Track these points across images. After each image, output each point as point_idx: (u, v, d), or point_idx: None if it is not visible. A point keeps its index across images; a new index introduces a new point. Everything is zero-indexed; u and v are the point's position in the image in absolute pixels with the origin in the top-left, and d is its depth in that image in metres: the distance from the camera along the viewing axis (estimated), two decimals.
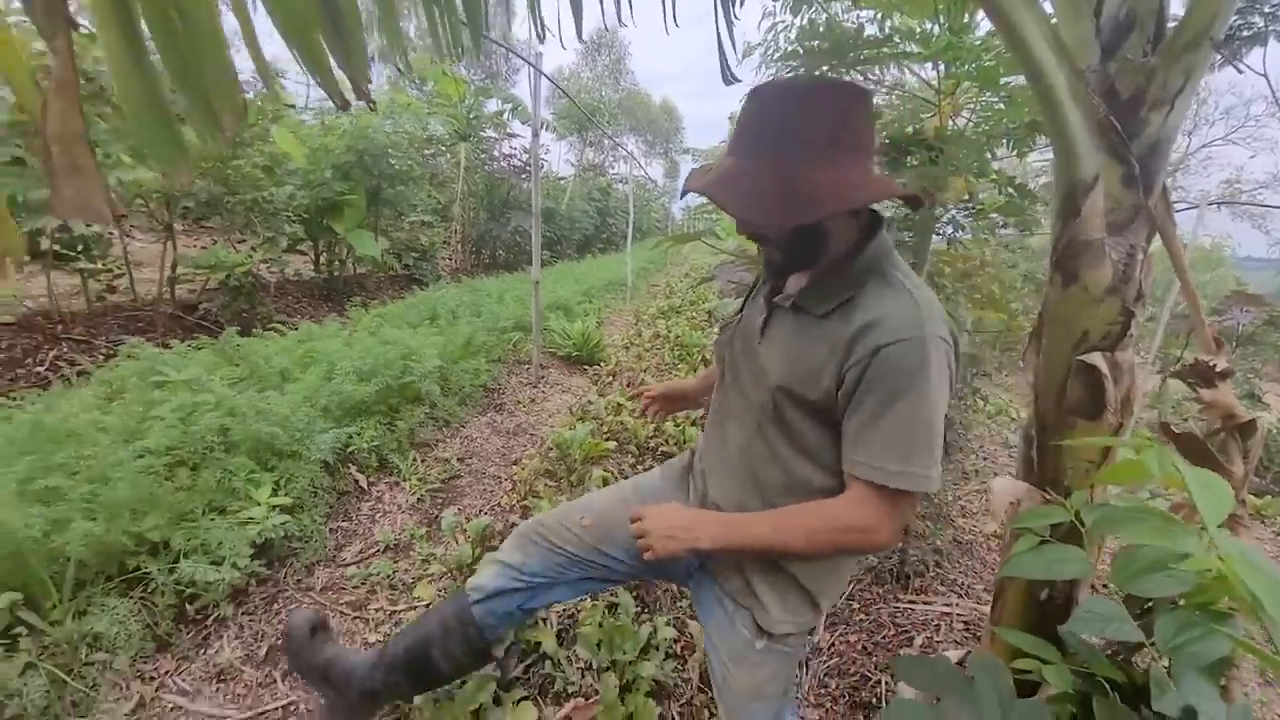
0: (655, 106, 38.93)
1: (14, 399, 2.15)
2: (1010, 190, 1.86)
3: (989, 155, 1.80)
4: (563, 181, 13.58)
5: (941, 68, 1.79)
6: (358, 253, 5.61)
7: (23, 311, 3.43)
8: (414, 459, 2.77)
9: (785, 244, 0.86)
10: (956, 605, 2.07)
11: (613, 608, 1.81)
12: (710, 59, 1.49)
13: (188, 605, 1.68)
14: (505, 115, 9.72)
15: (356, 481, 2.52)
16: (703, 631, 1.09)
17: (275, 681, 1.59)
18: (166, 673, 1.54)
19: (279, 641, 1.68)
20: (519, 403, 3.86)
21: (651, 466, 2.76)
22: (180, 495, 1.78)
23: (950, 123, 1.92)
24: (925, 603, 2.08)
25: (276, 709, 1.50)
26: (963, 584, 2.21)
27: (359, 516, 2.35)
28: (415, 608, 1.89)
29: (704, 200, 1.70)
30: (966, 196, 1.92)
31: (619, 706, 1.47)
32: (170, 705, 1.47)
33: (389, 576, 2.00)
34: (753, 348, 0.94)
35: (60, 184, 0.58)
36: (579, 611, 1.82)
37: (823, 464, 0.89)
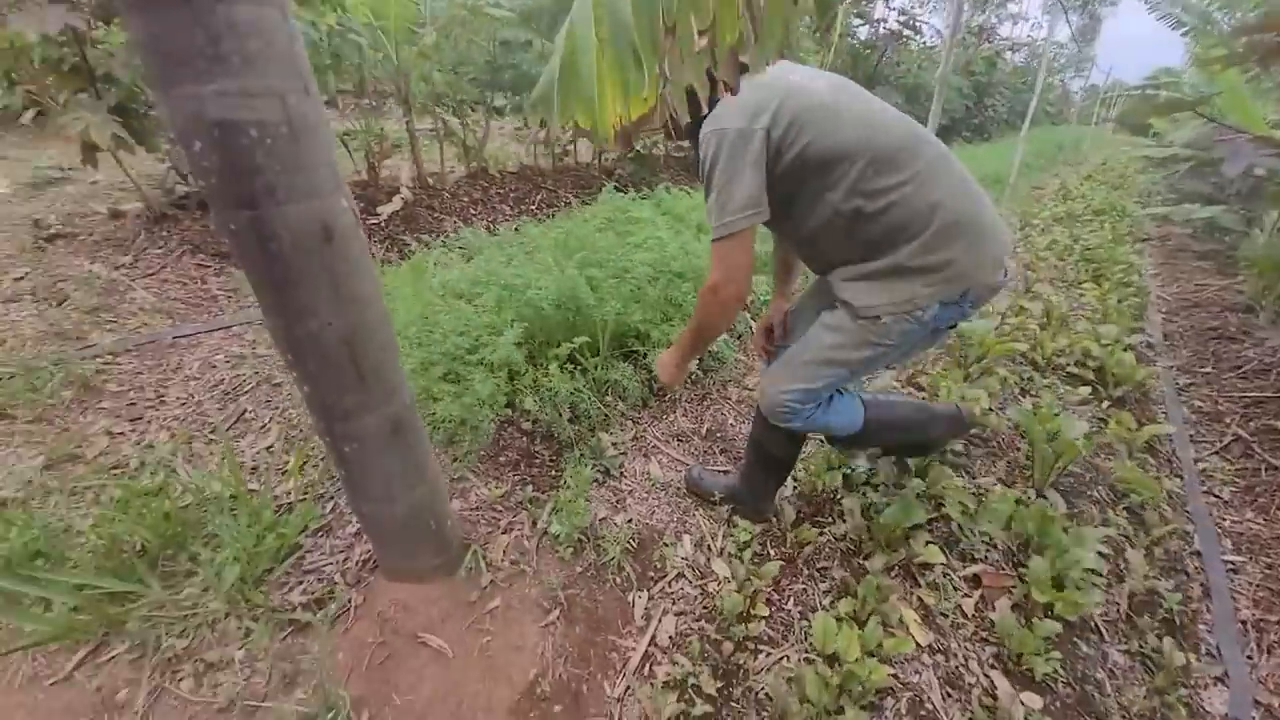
0: None
1: (540, 220, 2.99)
2: None
3: None
4: (934, 50, 11.47)
5: None
6: None
7: (519, 165, 4.66)
8: None
9: None
10: None
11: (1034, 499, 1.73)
12: None
13: (653, 384, 2.21)
14: None
15: (750, 328, 2.84)
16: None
17: (715, 453, 2.01)
18: (644, 424, 2.09)
19: (708, 427, 2.11)
20: None
21: (1053, 382, 2.44)
22: (653, 301, 2.28)
23: None
24: None
25: (718, 469, 1.92)
26: None
27: (752, 355, 2.68)
28: None
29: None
30: None
31: (1048, 590, 1.44)
32: (650, 441, 2.00)
33: None
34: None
35: None
36: (988, 492, 1.79)
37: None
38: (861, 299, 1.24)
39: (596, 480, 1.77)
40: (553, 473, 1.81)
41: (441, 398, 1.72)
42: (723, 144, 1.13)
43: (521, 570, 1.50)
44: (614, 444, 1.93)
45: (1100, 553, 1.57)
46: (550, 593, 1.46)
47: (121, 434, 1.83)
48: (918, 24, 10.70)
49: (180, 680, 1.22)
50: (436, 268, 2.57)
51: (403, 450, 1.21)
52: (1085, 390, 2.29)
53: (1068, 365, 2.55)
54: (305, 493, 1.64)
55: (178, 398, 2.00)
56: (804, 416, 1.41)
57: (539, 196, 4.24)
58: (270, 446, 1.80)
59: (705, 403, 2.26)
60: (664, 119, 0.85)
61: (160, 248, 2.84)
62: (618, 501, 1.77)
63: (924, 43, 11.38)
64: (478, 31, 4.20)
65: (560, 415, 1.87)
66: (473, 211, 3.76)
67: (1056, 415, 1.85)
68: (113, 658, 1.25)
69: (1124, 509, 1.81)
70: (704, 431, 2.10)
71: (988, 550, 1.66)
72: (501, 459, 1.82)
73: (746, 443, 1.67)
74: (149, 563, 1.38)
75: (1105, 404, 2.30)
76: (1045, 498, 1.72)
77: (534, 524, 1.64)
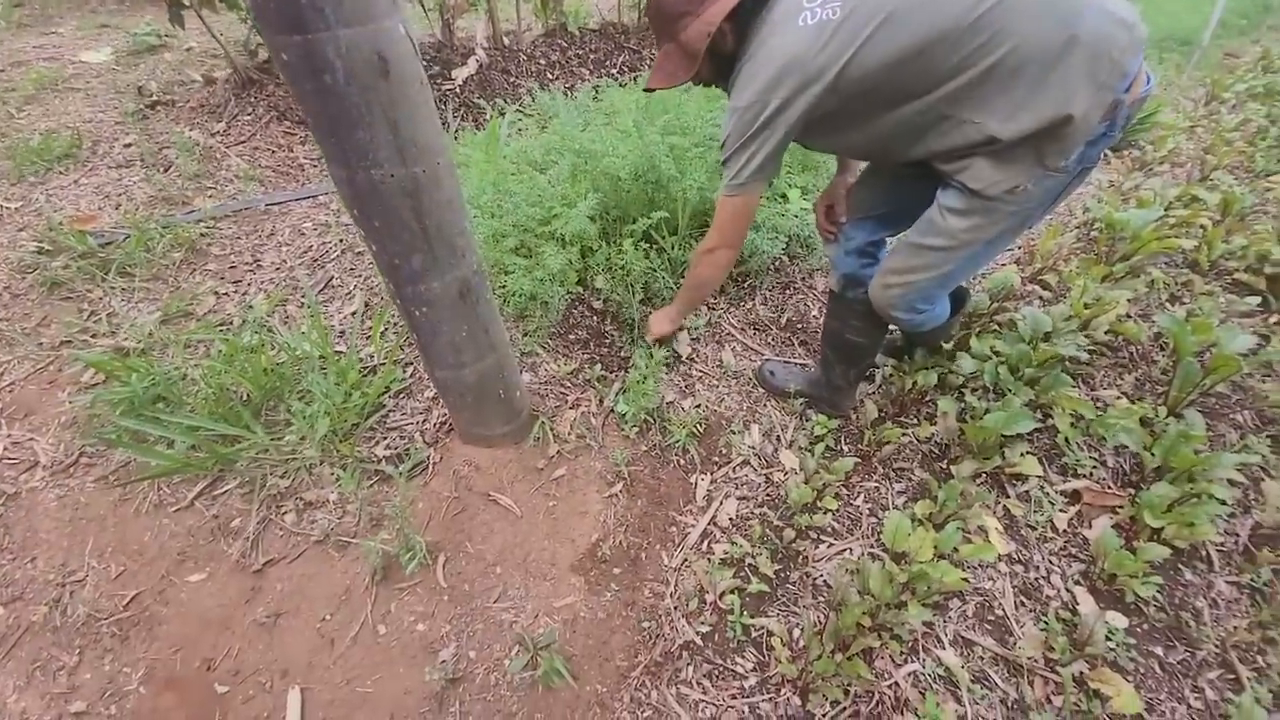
0: None
1: (623, 84, 2.73)
2: None
3: None
4: None
5: None
6: None
7: (601, 21, 4.23)
8: None
9: None
10: None
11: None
12: None
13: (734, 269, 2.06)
14: None
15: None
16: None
17: (794, 344, 1.90)
18: (720, 309, 1.98)
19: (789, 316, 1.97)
20: None
21: (1214, 289, 2.05)
22: None
23: None
24: None
25: (794, 361, 1.82)
26: None
27: None
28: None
29: None
30: None
31: (1161, 514, 1.28)
32: (725, 329, 1.91)
33: None
34: None
35: None
36: (1109, 406, 1.59)
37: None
38: (987, 177, 1.03)
39: (666, 364, 1.72)
40: (622, 353, 1.77)
41: (513, 271, 1.68)
42: (767, 106, 1.03)
43: (587, 445, 1.52)
44: (687, 329, 1.85)
45: (1231, 480, 1.38)
46: (614, 467, 1.47)
47: (225, 294, 1.96)
48: None
49: (284, 514, 1.36)
50: (511, 134, 2.45)
51: (470, 317, 1.19)
52: (1253, 301, 1.91)
53: (1236, 270, 2.13)
54: (387, 356, 1.70)
55: (272, 262, 2.10)
56: (925, 309, 1.30)
57: (621, 58, 3.88)
58: (355, 312, 1.86)
59: (788, 291, 2.10)
60: None
61: (249, 114, 2.87)
62: (686, 386, 1.72)
63: None
64: None
65: (633, 295, 1.80)
66: (550, 74, 3.51)
67: (1216, 326, 1.56)
68: (226, 491, 1.40)
69: (1268, 436, 1.56)
70: (783, 321, 1.97)
71: (1095, 467, 1.50)
72: (571, 336, 1.80)
73: (821, 334, 1.55)
74: (253, 411, 1.50)
75: (1274, 318, 1.93)
76: (1181, 416, 1.49)
77: (600, 402, 1.63)
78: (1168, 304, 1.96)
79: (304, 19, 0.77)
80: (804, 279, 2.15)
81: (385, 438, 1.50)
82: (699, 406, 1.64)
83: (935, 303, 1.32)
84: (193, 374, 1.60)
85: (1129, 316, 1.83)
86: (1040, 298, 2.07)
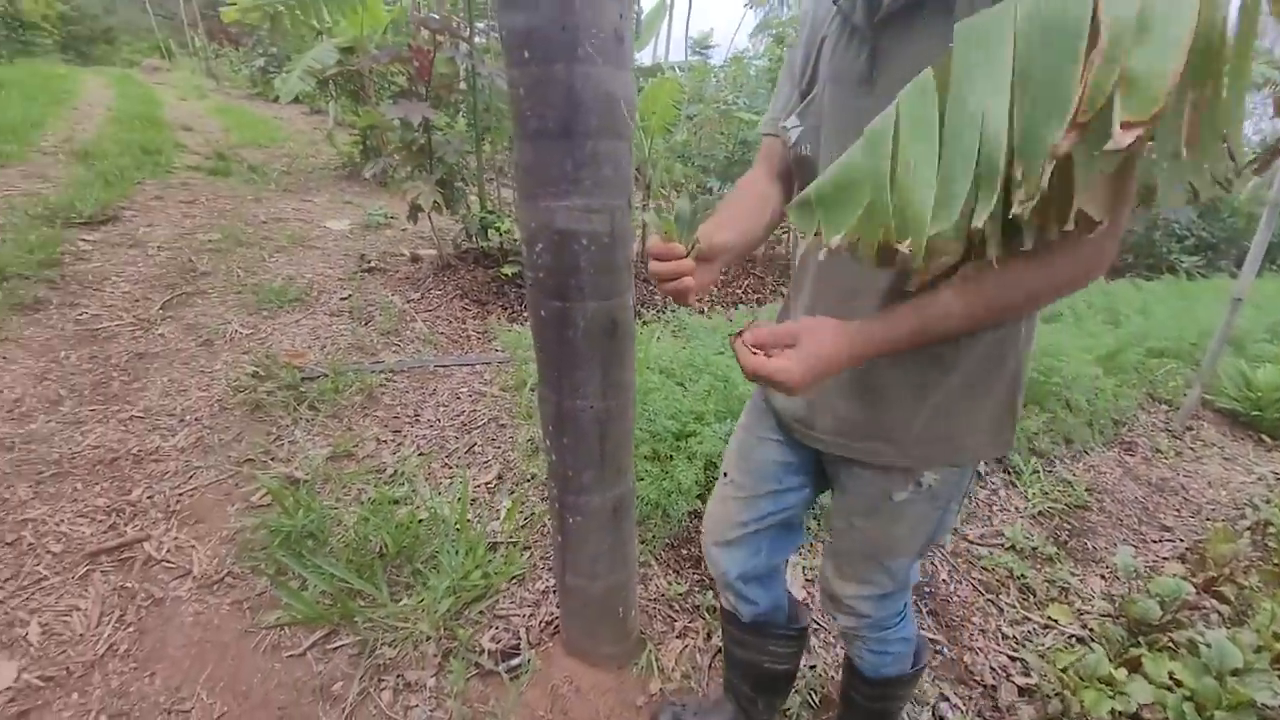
0: None
1: (750, 308, 3.00)
2: None
3: None
4: None
5: None
6: None
7: None
8: (1034, 465, 2.53)
9: None
10: None
11: None
12: None
13: None
14: None
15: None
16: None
17: None
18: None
19: None
20: (1157, 450, 3.02)
21: None
22: None
23: None
24: None
25: None
26: None
27: (976, 500, 2.32)
28: (1049, 625, 1.73)
29: None
30: None
31: None
32: None
33: (1020, 576, 1.90)
34: (861, 108, 0.64)
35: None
36: None
37: None
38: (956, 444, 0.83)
39: None
40: None
41: (643, 477, 1.76)
42: None
43: (691, 687, 1.42)
44: (802, 566, 1.77)
45: None
46: None
47: (385, 441, 2.19)
48: None
49: (382, 690, 1.35)
50: (651, 341, 2.72)
51: (616, 533, 1.24)
52: None
53: None
54: (512, 538, 1.76)
55: (428, 420, 2.35)
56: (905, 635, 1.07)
57: (746, 282, 4.34)
58: (489, 482, 1.99)
59: None
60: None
61: (440, 290, 3.46)
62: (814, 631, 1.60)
63: None
64: (723, 132, 4.57)
65: None
66: None
67: None
68: (339, 647, 1.43)
69: None
70: None
71: None
72: (684, 552, 1.78)
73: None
74: (384, 565, 1.58)
75: None
76: None
77: (708, 637, 1.55)
78: None
79: (569, 293, 0.97)
80: None
81: (493, 626, 1.50)
82: (814, 668, 1.51)
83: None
84: (345, 518, 1.74)
85: None
86: (1218, 612, 1.80)
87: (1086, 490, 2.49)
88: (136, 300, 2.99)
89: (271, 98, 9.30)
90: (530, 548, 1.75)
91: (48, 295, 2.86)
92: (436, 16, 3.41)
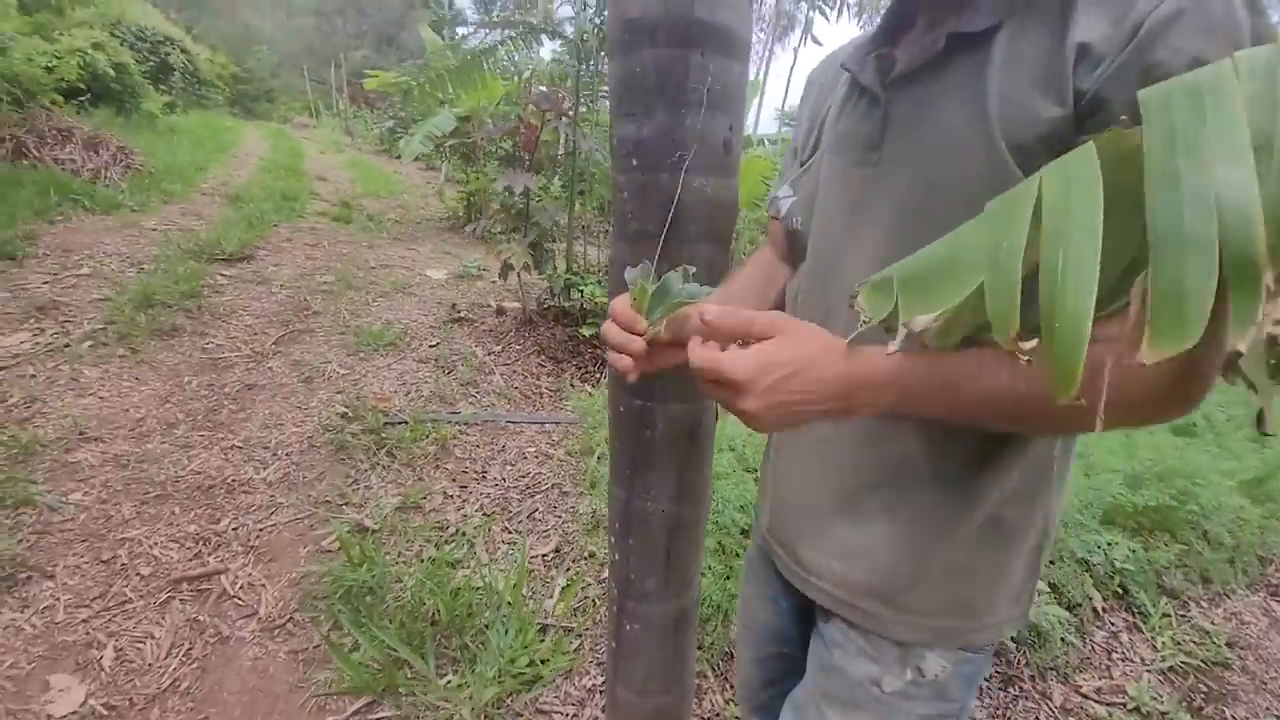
0: None
1: None
2: None
3: None
4: None
5: None
6: None
7: None
8: (1164, 607, 2.16)
9: None
10: None
11: None
12: None
13: None
14: None
15: (1089, 598, 2.16)
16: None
17: None
18: None
19: None
20: None
21: None
22: None
23: None
24: None
25: None
26: None
27: (1092, 643, 2.00)
28: None
29: None
30: None
31: None
32: None
33: None
34: (864, 179, 0.60)
35: None
36: None
37: None
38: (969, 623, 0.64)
39: None
40: None
41: (705, 573, 1.65)
42: None
43: None
44: None
45: None
46: None
47: (451, 497, 2.21)
48: None
49: None
50: (726, 417, 2.63)
51: (675, 647, 1.15)
52: None
53: None
54: (564, 622, 1.69)
55: (494, 478, 2.36)
56: None
57: None
58: (547, 554, 1.95)
59: (1010, 694, 1.72)
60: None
61: (519, 344, 3.57)
62: None
63: None
64: None
65: None
66: None
67: None
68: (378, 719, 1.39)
69: None
70: None
71: None
72: None
73: None
74: (434, 633, 1.55)
75: None
76: None
77: None
78: None
79: (651, 392, 0.94)
80: (1035, 680, 1.76)
81: None
82: None
83: None
84: (405, 577, 1.74)
85: None
86: None
87: (1226, 644, 2.09)
88: (255, 334, 3.28)
89: (395, 155, 10.35)
90: (581, 635, 1.66)
91: (184, 323, 3.20)
92: (547, 93, 3.67)
